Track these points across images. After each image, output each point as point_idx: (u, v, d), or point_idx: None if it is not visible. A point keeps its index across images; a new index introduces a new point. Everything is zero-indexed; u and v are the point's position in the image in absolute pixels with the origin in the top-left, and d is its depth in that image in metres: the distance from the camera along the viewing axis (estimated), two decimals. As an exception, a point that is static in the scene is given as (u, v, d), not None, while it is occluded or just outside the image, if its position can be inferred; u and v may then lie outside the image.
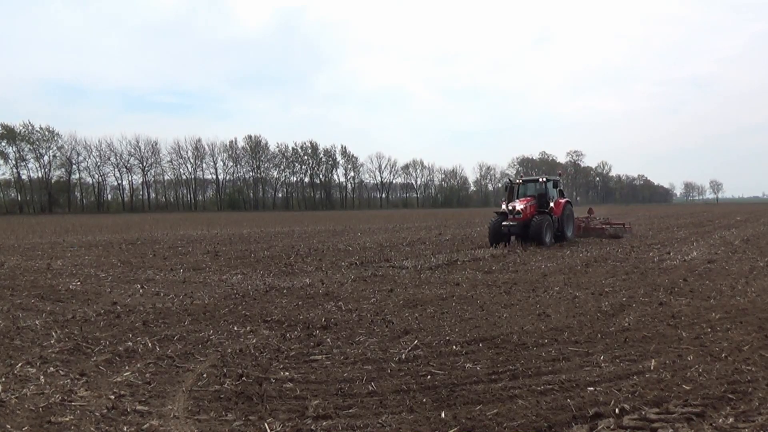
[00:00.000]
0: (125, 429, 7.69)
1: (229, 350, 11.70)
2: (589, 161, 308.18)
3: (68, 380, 9.83)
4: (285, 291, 19.00)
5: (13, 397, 8.89)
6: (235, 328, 13.70)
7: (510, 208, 37.03)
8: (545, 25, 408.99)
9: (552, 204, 37.94)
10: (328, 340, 12.51)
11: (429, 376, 9.73)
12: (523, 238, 36.13)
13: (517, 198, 39.18)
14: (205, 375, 10.13)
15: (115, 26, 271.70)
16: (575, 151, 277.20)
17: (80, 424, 7.81)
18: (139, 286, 20.23)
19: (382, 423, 7.82)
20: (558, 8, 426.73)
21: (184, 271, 25.02)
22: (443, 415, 8.00)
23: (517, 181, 41.02)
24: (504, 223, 36.52)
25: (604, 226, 44.38)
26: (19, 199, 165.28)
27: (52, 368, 10.52)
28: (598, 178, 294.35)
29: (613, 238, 41.22)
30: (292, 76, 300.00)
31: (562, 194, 40.38)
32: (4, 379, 9.80)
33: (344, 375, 9.97)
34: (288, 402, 8.74)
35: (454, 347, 11.58)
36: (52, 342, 12.44)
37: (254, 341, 12.46)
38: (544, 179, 38.85)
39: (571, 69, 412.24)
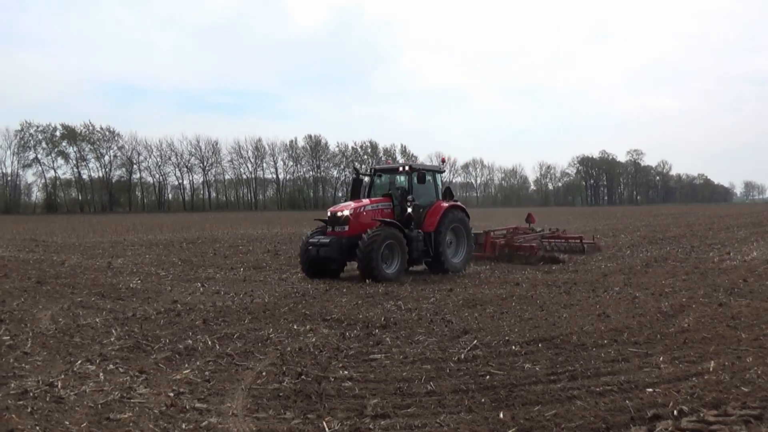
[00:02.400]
0: (183, 426, 7.71)
1: (289, 349, 11.72)
2: (649, 160, 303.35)
3: (127, 377, 9.88)
4: (345, 290, 19.09)
5: (72, 393, 8.95)
6: (295, 327, 13.75)
7: (330, 214, 23.95)
8: (603, 22, 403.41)
9: (422, 210, 24.62)
10: (388, 339, 12.50)
11: (488, 376, 9.66)
12: (358, 265, 22.39)
13: (368, 197, 25.76)
14: (264, 373, 10.14)
15: (174, 28, 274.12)
16: (635, 150, 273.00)
17: (139, 421, 7.85)
18: (199, 285, 20.39)
19: (440, 423, 7.75)
20: (615, 5, 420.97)
21: (245, 269, 25.26)
22: (501, 415, 7.91)
23: (367, 173, 27.85)
24: (312, 240, 23.47)
25: (533, 245, 29.52)
26: (80, 198, 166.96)
27: (111, 365, 10.59)
28: (658, 178, 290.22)
29: (550, 262, 26.76)
30: (350, 75, 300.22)
31: (449, 195, 26.54)
32: (63, 376, 9.88)
33: (403, 374, 9.93)
34: (346, 401, 8.71)
35: (514, 347, 11.50)
36: (112, 340, 12.55)
37: (314, 340, 12.49)
38: (407, 168, 24.96)
39: (628, 66, 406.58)
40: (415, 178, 24.09)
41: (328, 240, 22.89)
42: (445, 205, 24.88)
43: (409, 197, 24.19)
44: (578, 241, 32.63)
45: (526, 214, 35.81)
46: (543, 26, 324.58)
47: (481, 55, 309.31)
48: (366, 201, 24.52)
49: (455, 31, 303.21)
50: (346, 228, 22.89)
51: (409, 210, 23.96)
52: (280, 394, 9.04)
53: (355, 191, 26.18)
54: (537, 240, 31.52)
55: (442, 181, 27.18)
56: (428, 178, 25.38)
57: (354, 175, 27.48)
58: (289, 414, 8.21)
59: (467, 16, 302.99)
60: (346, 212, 23.25)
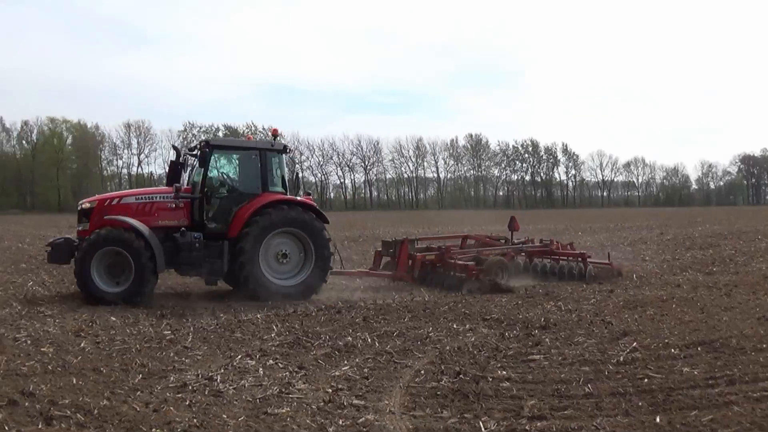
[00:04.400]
0: (340, 422, 7.77)
1: (448, 348, 11.73)
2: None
3: (286, 373, 10.05)
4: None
5: (230, 388, 9.15)
6: (455, 326, 13.73)
7: (82, 206, 18.73)
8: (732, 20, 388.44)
9: (235, 206, 18.57)
10: (547, 340, 12.34)
11: (646, 380, 9.44)
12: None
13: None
14: (422, 371, 10.16)
15: (335, 29, 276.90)
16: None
17: (296, 416, 7.95)
18: (359, 282, 20.42)
19: (596, 426, 7.62)
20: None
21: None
22: (658, 419, 7.74)
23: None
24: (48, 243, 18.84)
25: (469, 265, 20.47)
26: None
27: (271, 361, 10.78)
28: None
29: (494, 292, 18.79)
30: (509, 73, 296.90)
31: (296, 187, 20.81)
32: (222, 371, 10.11)
33: (561, 376, 9.79)
34: (504, 401, 8.62)
35: (673, 350, 11.18)
36: (272, 335, 12.79)
37: (473, 339, 12.47)
38: (203, 144, 19.34)
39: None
40: (197, 161, 19.07)
41: (61, 240, 18.24)
42: (269, 200, 18.41)
43: (176, 185, 18.49)
44: (579, 258, 22.68)
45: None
46: (715, 23, 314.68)
47: (649, 51, 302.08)
48: (129, 191, 21.02)
49: (608, 29, 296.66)
50: (88, 226, 17.78)
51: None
52: (438, 392, 9.02)
53: (173, 177, 19.44)
54: (502, 256, 22.28)
55: (284, 165, 20.23)
56: (237, 158, 20.29)
57: (173, 157, 20.64)
58: (446, 413, 8.19)
59: (609, 16, 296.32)
60: (88, 205, 18.41)
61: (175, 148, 21.72)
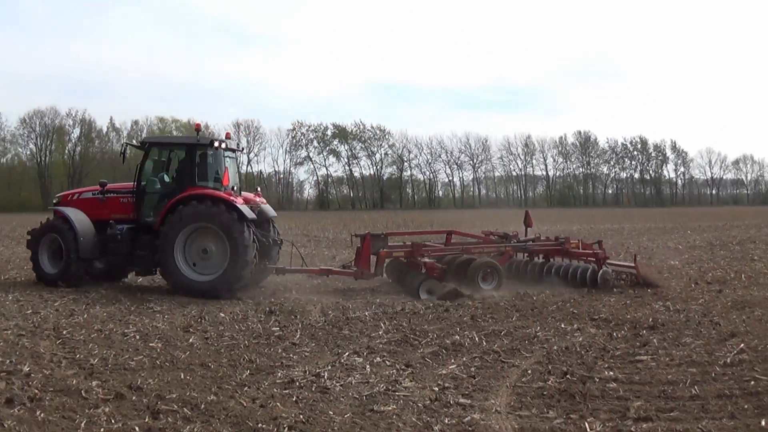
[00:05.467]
0: (446, 421, 7.77)
1: (555, 347, 11.66)
2: None
3: (393, 371, 10.09)
4: (614, 290, 18.58)
5: (337, 384, 9.22)
6: (562, 326, 13.64)
7: (54, 200, 21.81)
8: None
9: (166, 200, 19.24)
10: (654, 340, 12.17)
11: (753, 382, 9.25)
12: None
13: None
14: (529, 371, 10.12)
15: (442, 27, 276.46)
16: None
17: (402, 414, 7.99)
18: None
19: (702, 428, 7.52)
20: None
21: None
22: (763, 423, 7.62)
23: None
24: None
25: (435, 265, 18.92)
26: (352, 195, 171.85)
27: (378, 358, 10.83)
28: None
29: (453, 297, 17.08)
30: (616, 69, 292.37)
31: (217, 179, 19.78)
32: (330, 368, 10.20)
33: (668, 377, 9.67)
34: (610, 402, 8.56)
35: (781, 352, 10.96)
36: (380, 333, 12.84)
37: (580, 339, 12.37)
38: (141, 141, 21.73)
39: None
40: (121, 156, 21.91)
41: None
42: (187, 194, 18.69)
43: (102, 181, 20.65)
44: (594, 257, 19.88)
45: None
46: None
47: (760, 47, 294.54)
48: (90, 188, 21.17)
49: (727, 24, 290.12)
50: None
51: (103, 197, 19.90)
52: (544, 392, 8.99)
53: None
54: (497, 254, 20.29)
55: (221, 161, 20.17)
56: (171, 154, 20.74)
57: (121, 153, 23.30)
58: (552, 413, 8.16)
59: (746, 10, 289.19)
60: (56, 199, 21.11)
61: (124, 144, 24.47)
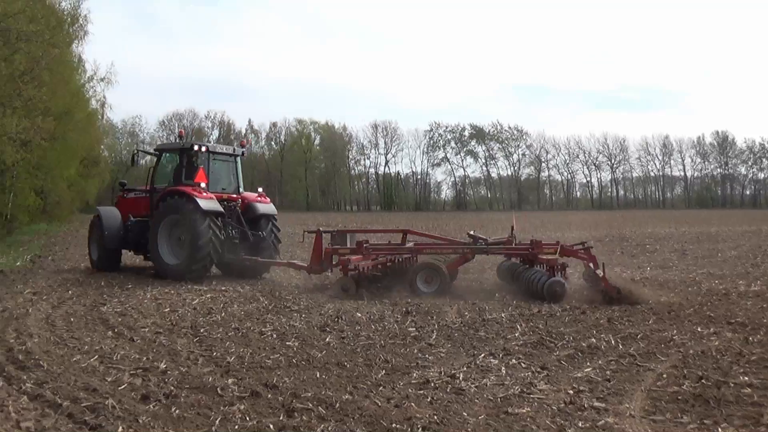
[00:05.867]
0: (580, 424, 7.70)
1: (691, 351, 11.38)
2: None
3: (529, 373, 10.01)
4: (750, 293, 18.15)
5: (472, 386, 9.17)
6: (699, 329, 13.30)
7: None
8: None
9: None
10: (792, 345, 11.83)
11: None
12: None
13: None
14: (664, 375, 9.93)
15: (578, 27, 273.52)
16: None
17: (536, 417, 7.92)
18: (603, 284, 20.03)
19: None
20: None
21: (651, 269, 24.77)
22: None
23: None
24: None
25: (349, 262, 18.12)
26: (489, 196, 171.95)
27: (514, 360, 10.75)
28: None
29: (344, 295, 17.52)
30: (752, 68, 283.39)
31: (178, 179, 22.50)
32: (465, 369, 10.15)
33: (806, 383, 9.42)
34: (744, 408, 8.35)
35: None
36: (516, 335, 12.72)
37: (716, 343, 12.03)
38: (155, 148, 26.25)
39: None
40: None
41: None
42: (169, 191, 21.94)
43: (122, 181, 27.27)
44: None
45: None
46: None
47: None
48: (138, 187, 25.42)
49: None
50: None
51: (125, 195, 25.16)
52: (679, 397, 8.81)
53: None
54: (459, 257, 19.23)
55: (206, 162, 22.97)
56: (174, 157, 23.74)
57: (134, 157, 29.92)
58: (685, 418, 8.00)
59: None
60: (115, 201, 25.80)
61: (134, 151, 28.81)
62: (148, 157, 27.68)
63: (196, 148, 22.48)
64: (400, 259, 20.23)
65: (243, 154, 24.37)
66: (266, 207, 23.38)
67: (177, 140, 26.73)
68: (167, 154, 24.13)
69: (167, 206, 21.41)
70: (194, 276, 20.66)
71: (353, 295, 17.34)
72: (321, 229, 21.32)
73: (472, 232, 21.31)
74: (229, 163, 24.02)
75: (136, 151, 31.03)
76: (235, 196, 23.25)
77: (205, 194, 21.18)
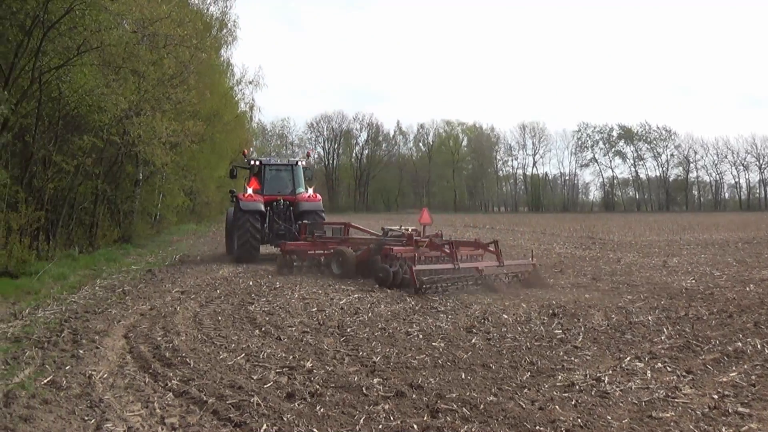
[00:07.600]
0: (723, 430, 7.66)
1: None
2: None
3: (674, 377, 9.96)
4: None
5: (617, 389, 9.19)
6: None
7: None
8: None
9: None
10: None
11: None
12: None
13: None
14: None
15: (726, 30, 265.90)
16: None
17: (680, 421, 7.91)
18: (752, 287, 19.67)
19: None
20: None
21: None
22: None
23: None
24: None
25: (279, 243, 25.66)
26: (637, 197, 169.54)
27: (659, 364, 10.69)
28: None
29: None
30: None
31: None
32: (611, 372, 10.16)
33: None
34: None
35: None
36: (662, 338, 12.62)
37: None
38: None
39: None
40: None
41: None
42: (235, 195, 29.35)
43: (232, 189, 32.39)
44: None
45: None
46: None
47: None
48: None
49: None
50: None
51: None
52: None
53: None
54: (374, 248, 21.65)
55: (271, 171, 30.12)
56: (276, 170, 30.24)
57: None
58: None
59: None
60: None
61: (231, 168, 34.95)
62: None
63: (252, 163, 30.27)
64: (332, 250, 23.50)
65: (297, 163, 30.18)
66: (311, 204, 28.63)
67: (244, 158, 32.62)
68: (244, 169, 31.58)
69: (234, 207, 28.37)
70: (243, 258, 26.64)
71: (287, 273, 22.80)
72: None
73: (384, 227, 24.92)
74: (287, 171, 30.24)
75: (233, 167, 34.61)
76: (291, 197, 29.03)
77: (248, 197, 27.35)
